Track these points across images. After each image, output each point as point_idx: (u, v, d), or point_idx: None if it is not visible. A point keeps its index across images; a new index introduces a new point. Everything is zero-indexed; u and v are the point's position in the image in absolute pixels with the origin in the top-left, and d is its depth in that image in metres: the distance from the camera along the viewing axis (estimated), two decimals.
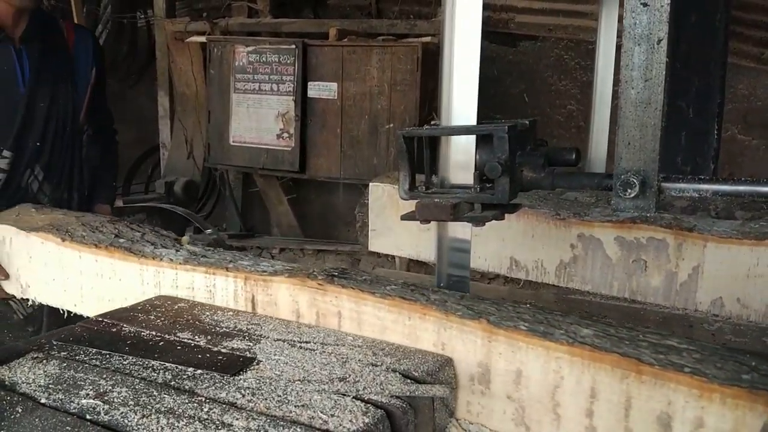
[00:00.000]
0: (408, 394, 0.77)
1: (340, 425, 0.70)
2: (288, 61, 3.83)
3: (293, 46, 3.81)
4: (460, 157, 0.98)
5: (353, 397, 0.76)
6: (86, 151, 1.95)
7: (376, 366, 0.84)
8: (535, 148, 0.95)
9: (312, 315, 1.05)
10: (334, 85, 3.84)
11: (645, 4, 0.78)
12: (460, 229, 1.00)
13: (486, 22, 4.13)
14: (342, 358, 0.88)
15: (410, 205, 1.00)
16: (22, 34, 1.58)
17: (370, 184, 1.87)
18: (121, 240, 1.32)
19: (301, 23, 4.14)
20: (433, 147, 1.01)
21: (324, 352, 0.90)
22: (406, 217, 1.00)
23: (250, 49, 3.89)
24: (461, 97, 0.98)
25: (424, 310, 0.92)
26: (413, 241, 1.81)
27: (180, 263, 1.20)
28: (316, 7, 4.65)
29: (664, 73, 0.78)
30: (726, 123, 3.83)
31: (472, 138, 0.97)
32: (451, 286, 1.03)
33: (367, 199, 1.89)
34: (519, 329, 0.84)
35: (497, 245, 1.67)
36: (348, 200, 4.38)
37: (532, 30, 4.00)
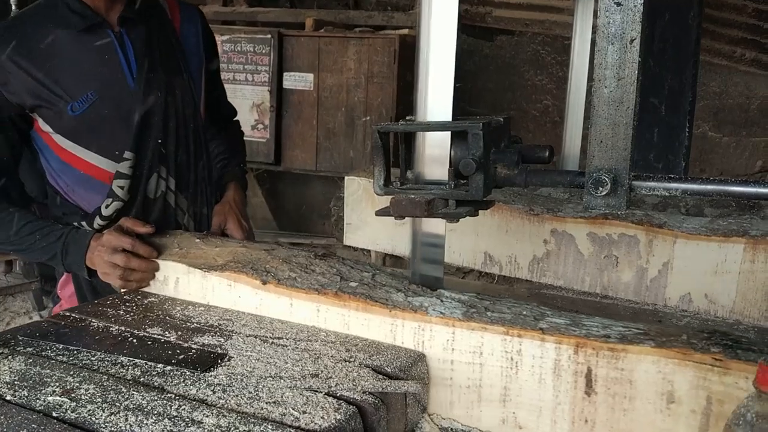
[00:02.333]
0: (380, 390, 0.77)
1: (312, 422, 0.69)
2: (263, 51, 3.79)
3: (269, 36, 3.77)
4: (436, 153, 0.98)
5: (325, 394, 0.75)
6: (214, 149, 1.65)
7: (349, 362, 0.84)
8: (509, 145, 0.96)
9: (697, 403, 0.77)
10: (310, 76, 3.81)
11: (618, 4, 0.78)
12: (434, 225, 1.01)
13: (463, 16, 4.14)
14: (315, 354, 0.87)
15: (386, 200, 0.99)
16: (120, 15, 1.30)
17: (346, 177, 1.86)
18: (352, 284, 1.03)
19: (277, 13, 4.10)
20: (408, 142, 1.01)
21: (297, 348, 0.90)
22: (380, 213, 1.00)
23: (224, 38, 3.83)
24: (437, 92, 0.98)
25: None
26: (389, 236, 1.81)
27: (458, 319, 0.90)
28: None
29: (637, 72, 0.79)
30: (698, 120, 3.91)
31: (448, 134, 0.97)
32: (424, 281, 1.03)
33: (343, 193, 1.88)
34: None
35: (472, 240, 1.68)
36: (324, 193, 4.36)
37: (509, 24, 4.02)
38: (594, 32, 1.10)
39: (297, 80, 3.86)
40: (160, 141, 1.37)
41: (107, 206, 1.34)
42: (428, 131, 0.96)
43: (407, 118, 1.02)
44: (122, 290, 1.20)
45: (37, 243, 1.24)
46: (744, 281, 1.35)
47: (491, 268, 1.67)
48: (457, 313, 0.92)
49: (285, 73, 3.82)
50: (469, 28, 4.10)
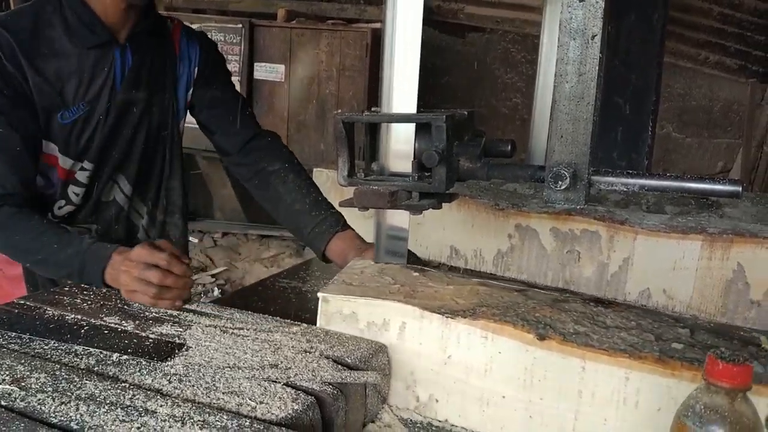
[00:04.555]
0: (339, 380, 0.76)
1: (269, 412, 0.69)
2: (234, 41, 3.74)
3: (240, 26, 3.72)
4: (400, 146, 0.98)
5: (284, 384, 0.75)
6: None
7: (309, 353, 0.84)
8: (472, 139, 0.96)
9: None
10: (281, 68, 3.78)
11: (581, 0, 0.79)
12: (398, 217, 1.01)
13: (435, 11, 4.15)
14: (275, 344, 0.87)
15: (352, 192, 0.99)
16: (129, 32, 1.30)
17: (314, 170, 1.85)
18: (677, 345, 0.81)
19: (248, 2, 4.05)
20: (373, 134, 1.01)
21: (257, 338, 0.89)
22: (344, 204, 1.00)
23: (194, 26, 3.77)
24: (401, 84, 0.98)
25: None
26: (357, 227, 1.80)
27: None
28: None
29: (597, 68, 0.80)
30: (662, 121, 4.00)
31: (412, 126, 0.97)
32: None
33: None
34: None
35: (438, 234, 1.69)
36: None
37: (481, 22, 4.04)
38: None
39: (268, 71, 3.82)
40: (123, 154, 1.35)
41: (60, 208, 1.32)
42: (392, 122, 0.96)
43: (372, 109, 1.02)
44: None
45: (54, 254, 1.14)
46: (701, 278, 1.38)
47: (457, 262, 1.68)
48: None
49: (256, 64, 3.78)
50: (441, 24, 4.11)
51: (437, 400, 0.90)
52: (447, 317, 0.88)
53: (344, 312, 0.95)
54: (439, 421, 0.89)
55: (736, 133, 3.70)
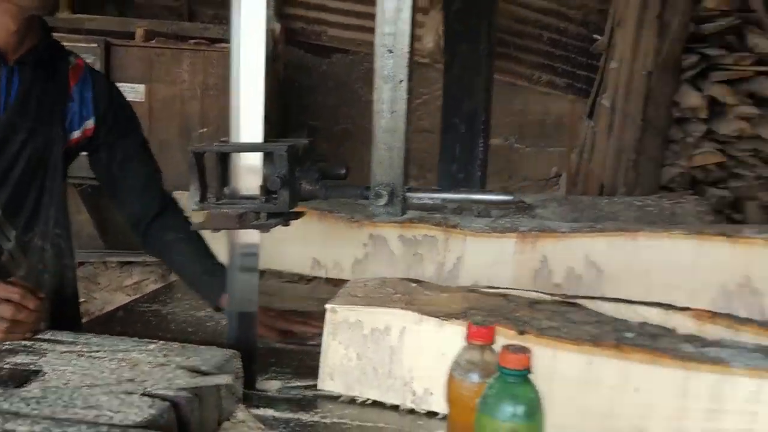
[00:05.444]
0: (193, 385, 0.86)
1: (126, 418, 0.77)
2: (88, 61, 3.60)
3: (95, 45, 3.60)
4: (248, 171, 1.10)
5: (140, 395, 0.83)
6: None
7: (165, 366, 0.92)
8: (312, 164, 1.10)
9: None
10: (141, 87, 3.71)
11: (390, 51, 0.96)
12: (248, 236, 1.11)
13: (300, 33, 4.28)
14: (132, 362, 0.94)
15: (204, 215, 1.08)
16: (21, 56, 1.28)
17: (174, 193, 1.89)
18: (628, 334, 1.00)
19: (103, 21, 3.93)
20: (224, 161, 1.11)
21: (114, 358, 0.95)
22: (197, 227, 1.09)
23: None
24: (248, 117, 1.10)
25: None
26: (217, 248, 1.86)
27: (766, 370, 0.90)
28: (121, 5, 4.42)
29: (405, 107, 0.97)
30: (505, 133, 4.43)
31: (260, 154, 1.08)
32: (239, 287, 1.13)
33: None
34: None
35: (300, 247, 1.81)
36: None
37: (343, 44, 4.24)
38: None
39: (127, 91, 3.70)
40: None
41: None
42: (240, 152, 1.07)
43: (222, 139, 1.12)
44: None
45: None
46: (516, 269, 1.63)
47: (318, 272, 1.82)
48: (761, 363, 0.93)
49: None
50: (306, 45, 4.26)
51: (432, 393, 1.04)
52: (442, 320, 1.02)
53: (350, 320, 1.09)
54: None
55: (565, 143, 4.20)
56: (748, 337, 1.10)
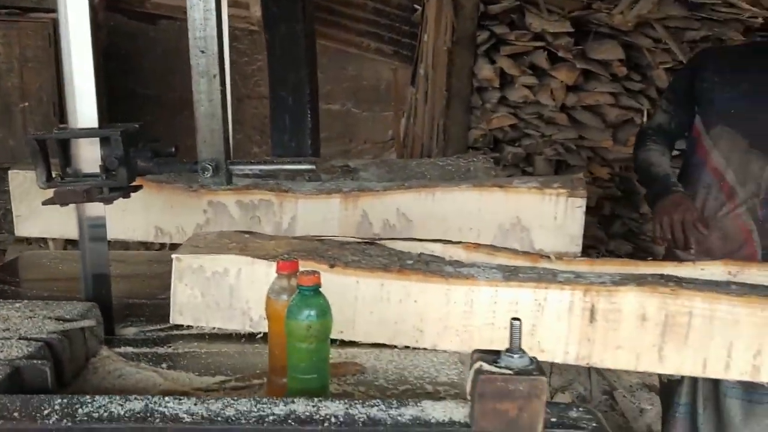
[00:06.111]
0: (61, 329, 1.07)
1: (10, 355, 0.97)
2: None
3: None
4: (89, 152, 1.28)
5: (17, 339, 1.02)
6: None
7: (34, 318, 1.11)
8: (145, 144, 1.31)
9: (660, 317, 1.25)
10: None
11: (203, 51, 1.20)
12: (95, 209, 1.31)
13: (122, 1, 4.18)
14: (3, 317, 1.11)
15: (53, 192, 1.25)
16: None
17: (10, 172, 1.95)
18: (409, 261, 1.31)
19: None
20: (65, 145, 1.28)
21: None
22: (47, 202, 1.26)
23: None
24: (83, 105, 1.27)
25: None
26: (62, 222, 1.97)
27: (500, 280, 1.26)
28: None
29: (221, 97, 1.22)
30: (342, 99, 4.74)
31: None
32: (91, 254, 1.32)
33: (8, 186, 1.97)
34: None
35: (143, 217, 1.98)
36: None
37: (169, 11, 4.22)
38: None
39: None
40: None
41: None
42: (78, 137, 1.25)
43: (61, 126, 1.29)
44: None
45: None
46: (342, 224, 1.96)
47: (163, 239, 2.00)
48: (498, 276, 1.27)
49: None
50: (128, 12, 4.18)
51: (264, 318, 1.20)
52: (270, 261, 1.28)
53: (194, 266, 1.32)
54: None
55: (396, 108, 4.61)
56: (502, 260, 1.54)
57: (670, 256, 2.10)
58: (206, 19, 1.17)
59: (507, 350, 0.81)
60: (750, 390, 2.03)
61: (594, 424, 0.83)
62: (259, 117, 4.51)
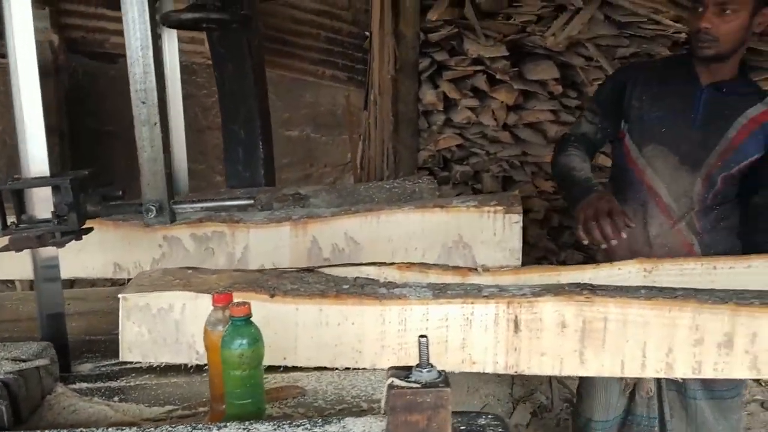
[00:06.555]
0: (18, 369, 1.14)
1: None
2: None
3: None
4: (42, 199, 1.36)
5: None
6: None
7: None
8: (95, 189, 1.39)
9: (578, 324, 1.34)
10: None
11: (144, 102, 1.30)
12: (48, 252, 1.38)
13: (81, 42, 4.26)
14: None
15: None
16: None
17: None
18: (345, 286, 1.38)
19: None
20: (19, 195, 1.36)
21: None
22: (2, 249, 1.34)
23: None
24: (34, 151, 1.35)
25: (682, 304, 1.33)
26: (21, 264, 2.02)
27: (430, 298, 1.35)
28: None
29: (161, 143, 1.31)
30: (302, 125, 4.85)
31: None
32: (45, 294, 1.40)
33: None
34: None
35: (101, 255, 2.04)
36: None
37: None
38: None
39: None
40: None
41: None
42: (28, 187, 1.33)
43: (14, 177, 1.37)
44: None
45: None
46: (293, 250, 2.05)
47: (121, 275, 2.07)
48: (428, 294, 1.36)
49: None
50: (89, 53, 4.25)
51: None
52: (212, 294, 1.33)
53: (140, 304, 1.38)
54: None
55: (354, 132, 4.75)
56: (433, 277, 1.65)
57: (591, 260, 2.19)
58: (146, 73, 1.27)
59: (417, 366, 0.91)
60: (711, 388, 2.12)
61: (500, 430, 0.93)
62: (221, 147, 4.58)
